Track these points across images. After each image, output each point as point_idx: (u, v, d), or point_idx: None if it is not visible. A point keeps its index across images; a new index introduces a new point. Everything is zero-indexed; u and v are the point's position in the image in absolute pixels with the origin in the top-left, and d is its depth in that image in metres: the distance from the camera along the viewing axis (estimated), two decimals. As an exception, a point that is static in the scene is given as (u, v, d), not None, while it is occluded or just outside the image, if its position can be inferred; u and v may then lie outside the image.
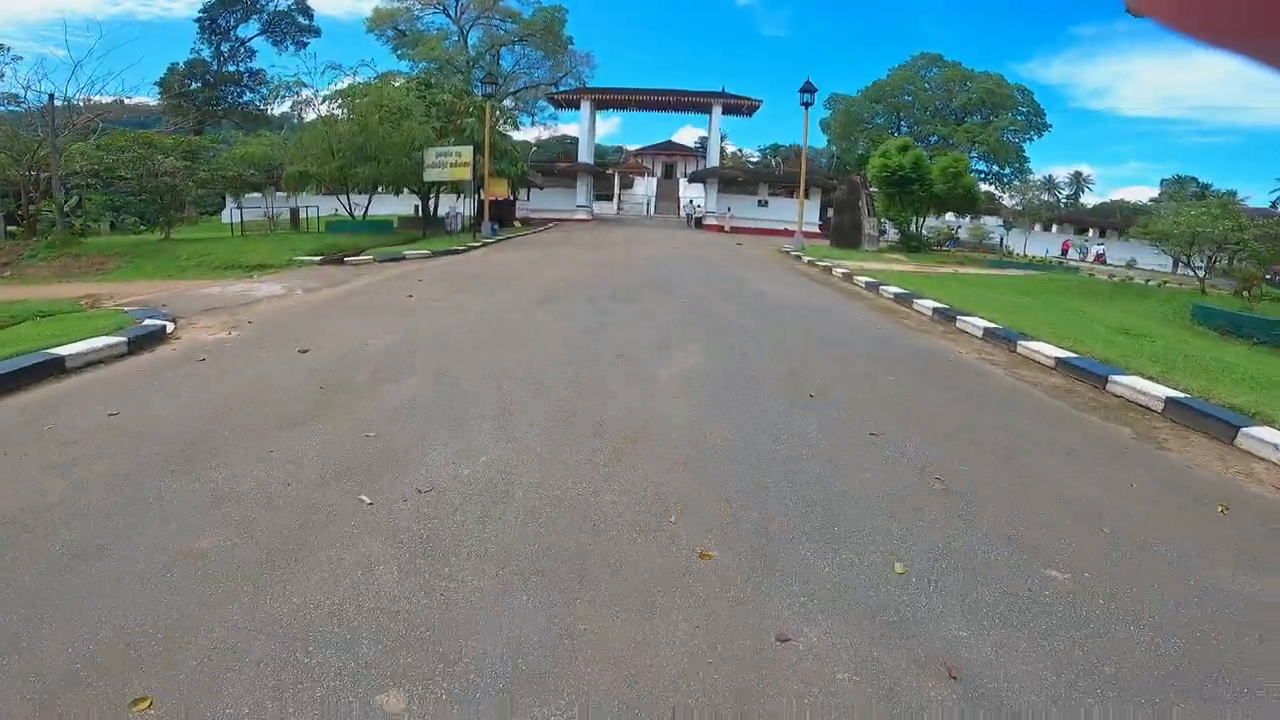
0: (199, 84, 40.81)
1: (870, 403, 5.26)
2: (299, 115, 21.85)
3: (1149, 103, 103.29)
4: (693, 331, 7.60)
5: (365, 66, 20.10)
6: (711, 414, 4.77)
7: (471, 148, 18.66)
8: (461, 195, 23.02)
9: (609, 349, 6.60)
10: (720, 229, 29.43)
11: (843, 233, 20.45)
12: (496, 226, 22.10)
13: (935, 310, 9.47)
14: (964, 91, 45.35)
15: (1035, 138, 46.38)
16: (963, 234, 30.80)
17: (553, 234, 24.77)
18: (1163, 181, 63.56)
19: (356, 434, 4.15)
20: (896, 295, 10.84)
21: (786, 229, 30.76)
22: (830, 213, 35.54)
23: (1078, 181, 68.31)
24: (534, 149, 45.64)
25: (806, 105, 20.58)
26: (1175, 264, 35.80)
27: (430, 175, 18.88)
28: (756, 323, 8.40)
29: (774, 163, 59.34)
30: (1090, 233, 40.61)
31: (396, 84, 21.33)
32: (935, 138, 45.14)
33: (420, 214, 22.74)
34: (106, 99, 18.38)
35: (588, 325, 7.74)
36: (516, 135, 32.48)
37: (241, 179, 20.63)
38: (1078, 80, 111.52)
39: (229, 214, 26.16)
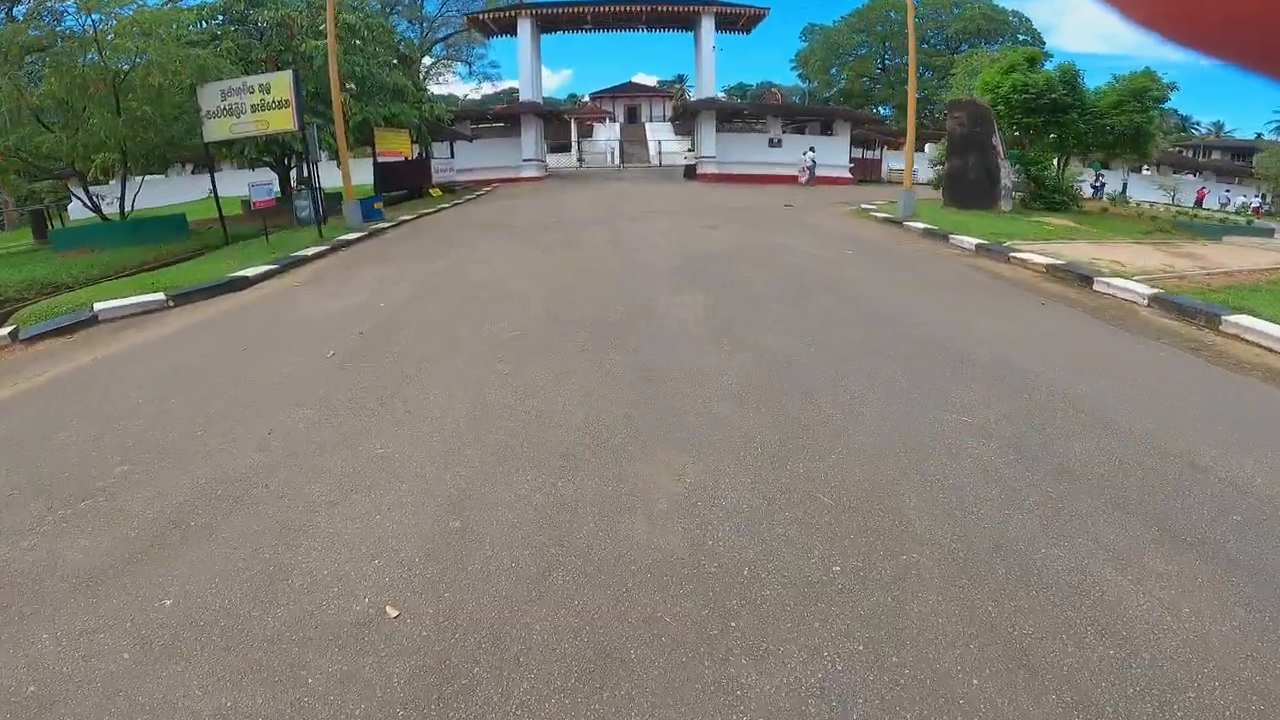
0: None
1: None
2: None
3: (1091, 39, 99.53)
4: None
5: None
6: None
7: (291, 75, 9.67)
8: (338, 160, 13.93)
9: None
10: (724, 178, 20.81)
11: (965, 186, 12.08)
12: (379, 206, 13.31)
13: None
14: (956, 19, 39.77)
15: (1039, 67, 39.55)
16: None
17: (485, 206, 16.12)
18: (1144, 113, 59.33)
19: None
20: None
21: (819, 176, 22.24)
22: (861, 153, 27.08)
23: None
24: (464, 99, 36.00)
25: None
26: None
27: (215, 132, 9.90)
28: None
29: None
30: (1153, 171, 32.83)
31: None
32: (928, 70, 38.16)
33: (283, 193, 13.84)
34: None
35: None
36: (460, 91, 22.96)
37: None
38: (1026, 18, 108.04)
39: (77, 209, 17.66)
